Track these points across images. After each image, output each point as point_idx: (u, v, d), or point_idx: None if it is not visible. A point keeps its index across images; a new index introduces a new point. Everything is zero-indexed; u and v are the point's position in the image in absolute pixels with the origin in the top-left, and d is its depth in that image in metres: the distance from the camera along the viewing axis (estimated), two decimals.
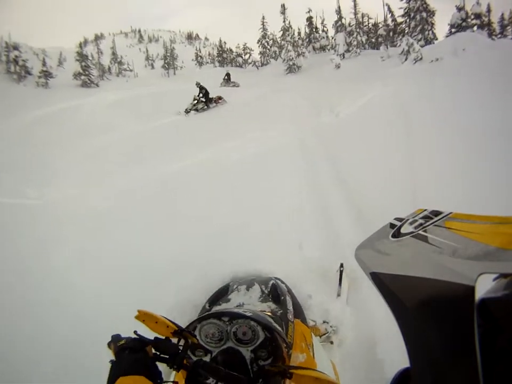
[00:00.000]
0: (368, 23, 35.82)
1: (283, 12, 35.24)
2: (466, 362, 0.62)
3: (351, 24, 32.52)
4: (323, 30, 36.92)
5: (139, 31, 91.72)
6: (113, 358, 1.39)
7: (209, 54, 50.03)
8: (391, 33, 32.39)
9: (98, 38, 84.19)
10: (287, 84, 22.68)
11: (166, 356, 1.44)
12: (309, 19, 36.50)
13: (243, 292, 2.36)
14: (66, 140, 13.11)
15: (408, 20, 26.69)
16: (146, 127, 14.25)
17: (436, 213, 0.90)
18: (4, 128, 15.38)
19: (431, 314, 0.71)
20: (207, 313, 1.88)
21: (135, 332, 1.45)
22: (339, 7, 33.66)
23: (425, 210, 0.95)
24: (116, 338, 1.49)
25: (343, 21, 33.80)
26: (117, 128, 14.35)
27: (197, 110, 16.75)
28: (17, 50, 31.02)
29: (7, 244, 5.49)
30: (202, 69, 42.17)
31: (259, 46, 39.88)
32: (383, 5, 31.91)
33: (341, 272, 3.85)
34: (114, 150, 11.64)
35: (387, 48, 25.28)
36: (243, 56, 40.97)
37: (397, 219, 0.98)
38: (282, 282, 2.65)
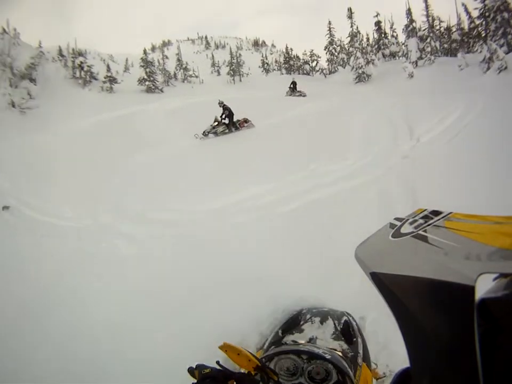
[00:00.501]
0: (440, 27, 32.54)
1: (350, 16, 33.23)
2: (466, 362, 0.64)
3: (423, 28, 30.07)
4: (392, 35, 34.82)
5: (205, 37, 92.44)
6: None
7: (275, 61, 48.82)
8: (465, 38, 29.66)
9: (166, 44, 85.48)
10: (356, 95, 21.18)
11: None
12: (377, 24, 34.20)
13: (317, 324, 2.32)
14: (114, 151, 13.45)
15: (485, 22, 23.71)
16: (191, 143, 14.43)
17: (436, 213, 0.90)
18: (57, 132, 16.22)
19: (431, 314, 0.71)
20: (287, 348, 1.97)
21: (217, 363, 1.58)
22: (409, 9, 30.95)
23: (425, 210, 0.94)
24: (200, 366, 1.56)
25: (414, 24, 31.01)
26: (166, 142, 14.25)
27: (216, 133, 15.10)
28: (82, 57, 31.60)
29: None
30: (268, 76, 41.40)
31: (326, 53, 38.21)
32: (456, 6, 29.60)
33: None
34: (149, 171, 11.61)
35: (464, 55, 22.57)
36: (310, 63, 39.56)
37: (396, 219, 0.97)
38: (354, 320, 2.56)
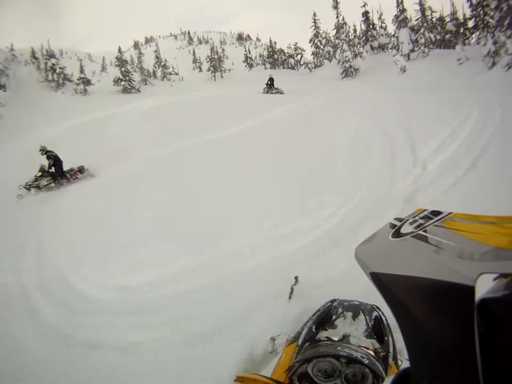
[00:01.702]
0: (432, 17, 29.39)
1: (335, 6, 30.50)
2: (466, 362, 0.64)
3: (415, 18, 27.05)
4: (381, 27, 32.22)
5: (188, 33, 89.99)
6: None
7: (260, 55, 46.96)
8: (461, 29, 27.13)
9: (148, 41, 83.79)
10: (342, 93, 18.69)
11: None
12: (365, 14, 31.72)
13: (349, 320, 2.27)
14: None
15: (482, 12, 20.24)
16: (158, 153, 12.03)
17: (436, 213, 0.90)
18: (17, 146, 14.80)
19: (431, 314, 0.71)
20: (327, 351, 1.93)
21: None
22: None
23: (425, 210, 0.95)
24: None
25: (406, 14, 27.46)
26: (133, 153, 12.36)
27: (39, 187, 11.37)
28: (54, 58, 29.99)
29: None
30: (252, 71, 39.56)
31: (311, 46, 36.07)
32: None
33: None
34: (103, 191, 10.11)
35: (463, 47, 19.67)
36: (295, 57, 37.40)
37: (396, 219, 0.97)
38: (383, 315, 2.47)
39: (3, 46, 33.49)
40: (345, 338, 2.13)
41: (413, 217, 0.93)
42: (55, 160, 11.91)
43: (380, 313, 2.49)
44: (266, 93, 23.93)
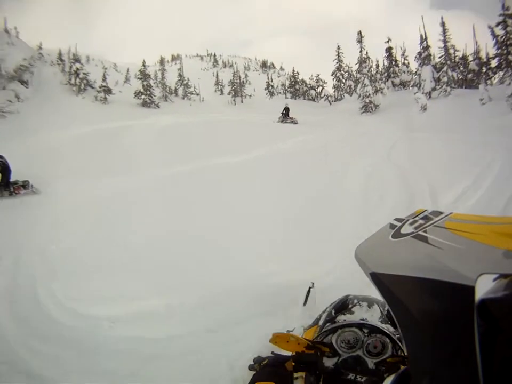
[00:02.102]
0: (455, 56, 29.13)
1: (360, 40, 30.59)
2: (466, 362, 0.64)
3: (439, 56, 26.78)
4: (404, 63, 31.93)
5: (214, 55, 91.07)
6: None
7: (282, 84, 46.97)
8: (484, 69, 26.75)
9: (174, 58, 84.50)
10: (360, 128, 18.19)
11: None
12: (388, 50, 31.53)
13: (365, 308, 2.25)
14: (77, 172, 11.11)
15: (506, 51, 20.29)
16: (161, 173, 11.29)
17: (436, 214, 0.90)
18: (27, 143, 14.09)
19: (431, 314, 0.72)
20: (351, 321, 2.05)
21: (272, 353, 1.81)
22: (425, 34, 26.71)
23: (425, 210, 0.95)
24: (258, 359, 1.83)
25: (429, 51, 26.76)
26: (134, 169, 11.64)
27: None
28: (79, 63, 30.37)
29: None
30: (272, 99, 39.08)
31: (333, 79, 35.95)
32: (474, 32, 26.66)
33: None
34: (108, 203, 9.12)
35: (486, 87, 18.70)
36: (316, 89, 37.16)
37: (397, 219, 0.97)
38: None
39: (33, 44, 34.03)
40: (363, 321, 2.14)
41: (413, 218, 0.93)
42: (3, 168, 10.34)
43: None
44: (281, 122, 23.63)
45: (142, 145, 14.62)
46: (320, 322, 2.33)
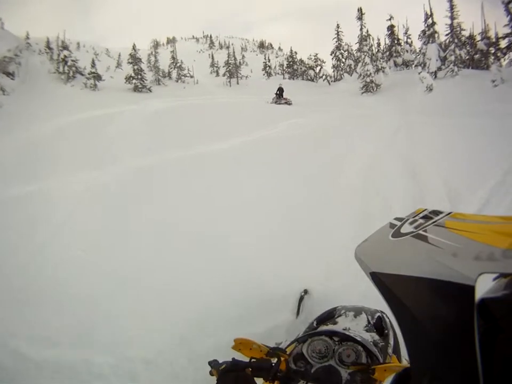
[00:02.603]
0: (461, 36, 26.41)
1: (360, 18, 28.82)
2: (466, 362, 0.64)
3: (445, 34, 24.65)
4: (406, 42, 30.54)
5: (210, 36, 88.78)
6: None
7: (280, 65, 45.63)
8: (492, 49, 25.01)
9: (170, 41, 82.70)
10: (360, 109, 16.56)
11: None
12: (390, 28, 29.99)
13: (350, 318, 2.31)
14: (58, 163, 10.00)
15: None
16: (145, 163, 9.94)
17: (436, 213, 0.90)
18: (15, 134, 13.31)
19: (431, 314, 0.72)
20: (320, 329, 2.10)
21: (233, 359, 1.69)
22: (431, 10, 24.75)
23: (425, 210, 0.95)
24: (215, 364, 1.72)
25: (435, 28, 24.87)
26: (122, 160, 10.30)
27: None
28: (67, 50, 28.92)
29: None
30: (269, 80, 37.70)
31: (332, 58, 34.38)
32: (482, 11, 25.01)
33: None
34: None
35: (500, 68, 17.27)
36: (314, 68, 35.46)
37: (396, 219, 0.97)
38: (387, 317, 2.51)
39: (21, 34, 33.44)
40: (345, 330, 2.05)
41: (413, 217, 0.93)
42: None
43: (384, 315, 2.46)
44: (275, 102, 22.73)
45: (125, 134, 13.46)
46: (300, 335, 2.25)
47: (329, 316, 2.45)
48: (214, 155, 10.18)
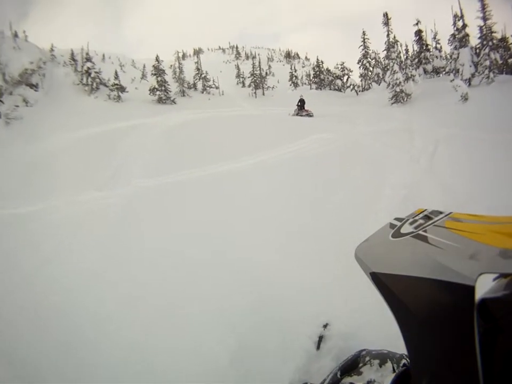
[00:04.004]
0: (492, 38, 23.22)
1: (386, 23, 27.12)
2: (466, 362, 0.64)
3: (479, 37, 22.35)
4: (435, 48, 28.70)
5: (236, 47, 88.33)
6: None
7: (307, 75, 44.75)
8: None
9: (196, 52, 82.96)
10: (392, 123, 14.97)
11: None
12: (418, 33, 28.11)
13: (375, 367, 2.13)
14: (70, 180, 9.87)
15: None
16: (155, 183, 9.42)
17: (436, 213, 0.90)
18: (30, 148, 13.94)
19: (431, 314, 0.72)
20: None
21: None
22: (461, 11, 23.04)
23: (425, 210, 0.94)
24: None
25: (467, 30, 23.08)
26: (124, 179, 10.05)
27: None
28: (90, 62, 28.95)
29: None
30: (296, 90, 36.39)
31: (360, 67, 33.05)
32: None
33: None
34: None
35: None
36: (342, 78, 34.50)
37: (396, 219, 0.96)
38: None
39: (47, 45, 33.62)
40: (370, 383, 2.03)
41: (413, 217, 0.92)
42: None
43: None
44: (296, 114, 22.40)
45: (141, 149, 13.32)
46: None
47: (354, 365, 2.22)
48: (226, 176, 9.33)
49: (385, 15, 27.03)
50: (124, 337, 3.89)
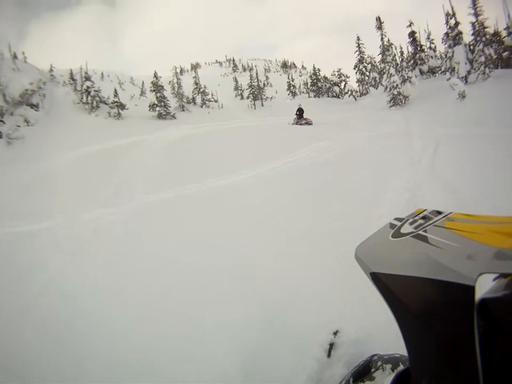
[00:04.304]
0: (485, 33, 23.35)
1: (379, 27, 27.30)
2: (466, 362, 0.64)
3: (472, 33, 22.48)
4: (430, 47, 28.88)
5: (233, 60, 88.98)
6: None
7: (304, 83, 44.98)
8: None
9: (194, 67, 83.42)
10: (390, 126, 14.74)
11: None
12: (412, 34, 28.40)
13: (388, 372, 2.10)
14: (76, 200, 9.56)
15: None
16: (156, 198, 9.36)
17: (436, 213, 0.89)
18: (29, 168, 13.99)
19: (431, 314, 0.73)
20: None
21: None
22: (452, 9, 23.12)
23: (425, 210, 0.94)
24: None
25: (460, 28, 23.09)
26: (133, 194, 9.84)
27: None
28: (89, 81, 29.32)
29: None
30: (294, 100, 36.71)
31: (356, 73, 33.43)
32: (505, 5, 22.99)
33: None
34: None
35: None
36: (339, 85, 34.77)
37: (397, 219, 0.96)
38: None
39: (45, 66, 33.96)
40: None
41: (413, 217, 0.92)
42: None
43: None
44: (296, 123, 22.51)
45: (148, 162, 13.48)
46: None
47: (366, 370, 2.19)
48: (225, 190, 9.27)
49: (378, 19, 27.33)
50: (127, 341, 3.87)
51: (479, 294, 0.65)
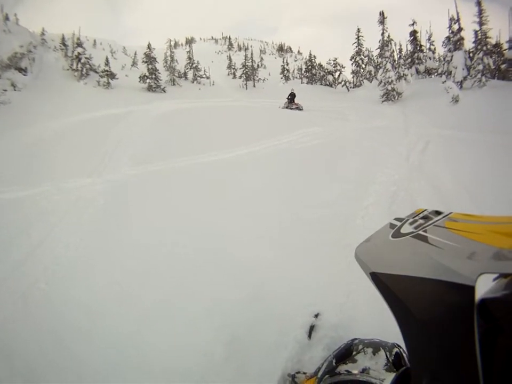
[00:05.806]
0: (486, 44, 23.35)
1: (382, 22, 26.92)
2: (466, 362, 0.64)
3: (474, 41, 22.45)
4: (429, 49, 28.95)
5: (229, 38, 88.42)
6: None
7: (299, 69, 44.76)
8: None
9: (189, 41, 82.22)
10: (381, 120, 15.01)
11: None
12: (413, 33, 28.41)
13: (369, 355, 2.17)
14: (61, 169, 9.34)
15: None
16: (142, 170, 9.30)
17: (436, 213, 0.90)
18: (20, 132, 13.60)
19: (431, 314, 0.72)
20: (345, 378, 1.99)
21: None
22: (457, 14, 22.95)
23: (425, 210, 0.94)
24: None
25: (462, 34, 22.80)
26: (112, 168, 9.69)
27: None
28: (80, 47, 28.53)
29: None
30: (287, 84, 36.37)
31: (352, 64, 33.24)
32: (510, 18, 23.08)
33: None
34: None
35: None
36: (334, 74, 34.45)
37: (397, 219, 0.96)
38: (404, 351, 2.23)
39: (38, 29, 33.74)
40: (365, 371, 2.06)
41: (413, 217, 0.92)
42: None
43: (401, 350, 2.26)
44: (286, 107, 22.63)
45: (135, 135, 13.15)
46: (320, 373, 2.17)
47: (347, 353, 2.26)
48: (214, 166, 9.27)
49: (382, 13, 26.97)
50: (107, 310, 3.95)
51: (479, 294, 0.65)
